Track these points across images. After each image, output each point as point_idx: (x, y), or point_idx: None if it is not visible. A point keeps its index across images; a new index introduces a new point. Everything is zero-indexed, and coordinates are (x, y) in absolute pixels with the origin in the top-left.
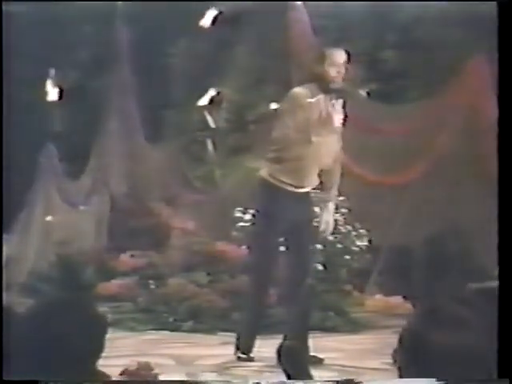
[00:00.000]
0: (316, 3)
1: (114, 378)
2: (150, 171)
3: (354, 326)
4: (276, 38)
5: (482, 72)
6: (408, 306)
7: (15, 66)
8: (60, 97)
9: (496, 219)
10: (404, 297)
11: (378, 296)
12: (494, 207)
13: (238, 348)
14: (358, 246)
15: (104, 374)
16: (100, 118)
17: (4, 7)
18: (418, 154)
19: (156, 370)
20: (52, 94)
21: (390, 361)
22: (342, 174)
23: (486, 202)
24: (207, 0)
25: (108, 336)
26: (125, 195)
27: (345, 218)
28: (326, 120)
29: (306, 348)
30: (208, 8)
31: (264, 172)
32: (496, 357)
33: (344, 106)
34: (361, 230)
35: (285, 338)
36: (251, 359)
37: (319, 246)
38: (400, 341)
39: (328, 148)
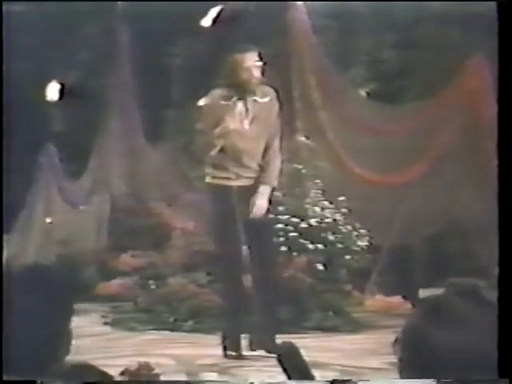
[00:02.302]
0: (316, 3)
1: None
2: (149, 171)
3: (354, 326)
4: (276, 38)
5: (481, 72)
6: (408, 305)
7: (15, 65)
8: (60, 97)
9: (496, 219)
10: (404, 297)
11: (378, 296)
12: (494, 207)
13: (225, 348)
14: (358, 246)
15: (106, 375)
16: (100, 117)
17: (4, 7)
18: (418, 154)
19: (156, 370)
20: (53, 93)
21: (390, 360)
22: (343, 174)
23: (485, 202)
24: (207, 0)
25: (108, 336)
26: (125, 195)
27: (345, 218)
28: (238, 121)
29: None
30: (208, 8)
31: (208, 178)
32: (496, 357)
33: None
34: (361, 230)
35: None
36: (242, 356)
37: (320, 246)
38: (399, 341)
39: (245, 146)
